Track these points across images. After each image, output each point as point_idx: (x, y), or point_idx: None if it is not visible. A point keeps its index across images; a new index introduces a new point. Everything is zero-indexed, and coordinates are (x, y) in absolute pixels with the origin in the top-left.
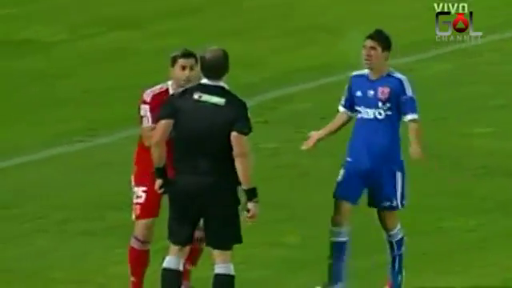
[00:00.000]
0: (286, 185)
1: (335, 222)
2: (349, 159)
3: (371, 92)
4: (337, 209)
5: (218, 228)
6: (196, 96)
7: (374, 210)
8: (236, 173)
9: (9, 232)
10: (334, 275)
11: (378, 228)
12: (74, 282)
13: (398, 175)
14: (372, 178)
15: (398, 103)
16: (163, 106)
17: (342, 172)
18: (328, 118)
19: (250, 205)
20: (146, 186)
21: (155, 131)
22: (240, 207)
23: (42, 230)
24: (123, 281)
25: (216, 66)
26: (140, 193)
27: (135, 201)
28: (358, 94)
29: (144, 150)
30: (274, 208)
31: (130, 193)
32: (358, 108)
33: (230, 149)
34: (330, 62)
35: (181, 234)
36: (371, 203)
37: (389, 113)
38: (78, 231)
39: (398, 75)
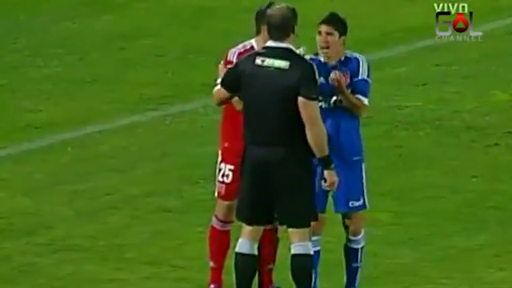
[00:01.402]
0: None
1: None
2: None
3: None
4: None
5: (288, 203)
6: (259, 61)
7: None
8: (307, 142)
9: (80, 209)
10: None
11: None
12: (147, 263)
13: (363, 167)
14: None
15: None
16: (226, 73)
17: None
18: (427, 84)
19: (326, 173)
20: (234, 165)
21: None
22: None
23: (114, 206)
24: (202, 262)
25: (281, 26)
26: (227, 171)
27: (221, 179)
28: (321, 80)
29: (235, 125)
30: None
31: (214, 167)
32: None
33: (299, 116)
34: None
35: (249, 211)
36: (336, 206)
37: None
38: (152, 208)
39: (356, 55)
